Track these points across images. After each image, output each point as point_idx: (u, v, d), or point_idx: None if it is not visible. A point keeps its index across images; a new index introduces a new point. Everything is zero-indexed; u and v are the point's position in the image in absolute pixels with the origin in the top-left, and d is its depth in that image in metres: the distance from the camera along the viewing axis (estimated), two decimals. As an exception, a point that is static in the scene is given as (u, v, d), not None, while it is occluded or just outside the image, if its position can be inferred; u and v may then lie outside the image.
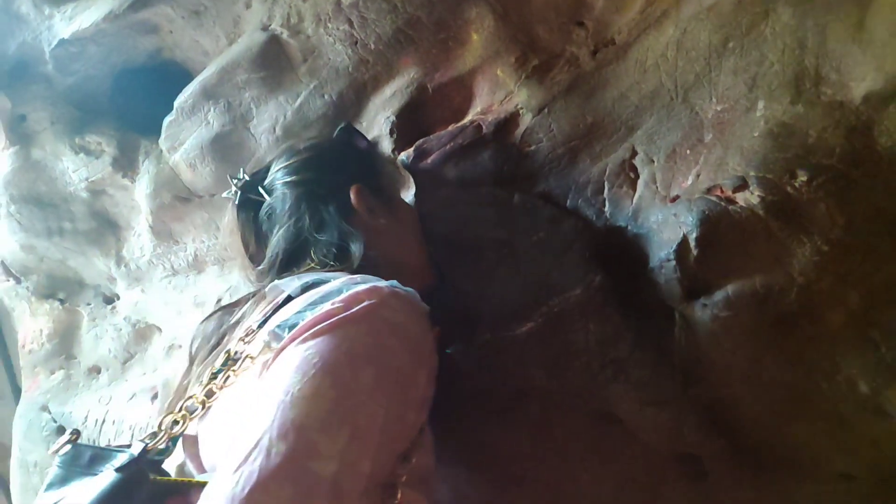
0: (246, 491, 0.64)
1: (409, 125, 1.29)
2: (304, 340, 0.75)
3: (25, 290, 2.01)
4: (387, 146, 1.30)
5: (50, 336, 2.01)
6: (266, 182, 1.12)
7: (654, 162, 1.05)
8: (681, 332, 0.99)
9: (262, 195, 1.11)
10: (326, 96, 1.32)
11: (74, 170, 1.68)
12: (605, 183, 1.09)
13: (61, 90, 1.63)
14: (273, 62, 1.34)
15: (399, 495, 0.79)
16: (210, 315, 1.04)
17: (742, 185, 0.94)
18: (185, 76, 1.55)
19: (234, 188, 1.15)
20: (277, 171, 1.12)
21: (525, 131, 1.16)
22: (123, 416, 1.75)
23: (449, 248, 1.14)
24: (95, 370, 1.94)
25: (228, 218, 1.18)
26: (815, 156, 0.92)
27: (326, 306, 0.78)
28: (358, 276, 0.88)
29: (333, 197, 1.06)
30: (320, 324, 0.76)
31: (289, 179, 1.09)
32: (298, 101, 1.34)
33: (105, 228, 1.78)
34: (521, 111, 1.17)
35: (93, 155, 1.65)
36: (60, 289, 1.97)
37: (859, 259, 0.92)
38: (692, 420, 1.01)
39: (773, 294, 0.93)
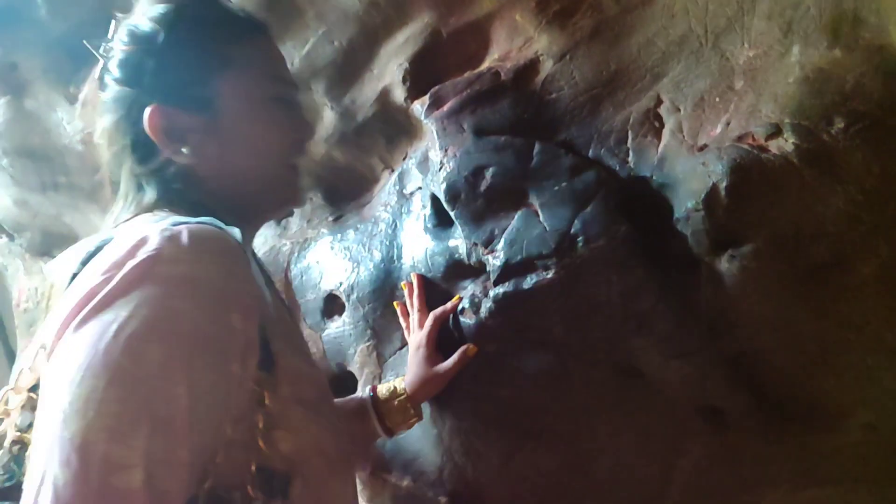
0: None
1: (422, 72, 1.24)
2: (75, 329, 0.63)
3: (19, 247, 1.97)
4: (399, 94, 1.26)
5: (45, 294, 1.97)
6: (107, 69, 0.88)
7: (680, 110, 1.02)
8: (707, 284, 0.97)
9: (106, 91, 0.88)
10: (336, 42, 1.27)
11: (69, 121, 1.62)
12: (629, 132, 1.06)
13: (55, 36, 1.56)
14: (279, 6, 1.29)
15: (263, 444, 0.71)
16: None
17: (776, 133, 0.91)
18: (185, 23, 1.49)
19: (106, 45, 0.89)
20: (111, 59, 0.87)
21: (546, 78, 1.12)
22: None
23: (466, 197, 1.11)
24: (93, 328, 1.91)
25: None
26: (852, 102, 0.89)
27: (93, 281, 0.65)
28: (146, 223, 0.75)
29: (136, 116, 0.84)
30: (84, 308, 0.64)
31: (109, 81, 0.87)
32: (306, 47, 1.29)
33: (101, 182, 1.73)
34: (541, 58, 1.13)
35: (89, 105, 1.59)
36: (56, 246, 1.92)
37: (892, 208, 0.90)
38: (717, 373, 0.99)
39: (804, 245, 0.91)
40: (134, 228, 0.74)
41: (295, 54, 1.31)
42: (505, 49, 1.18)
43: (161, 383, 0.62)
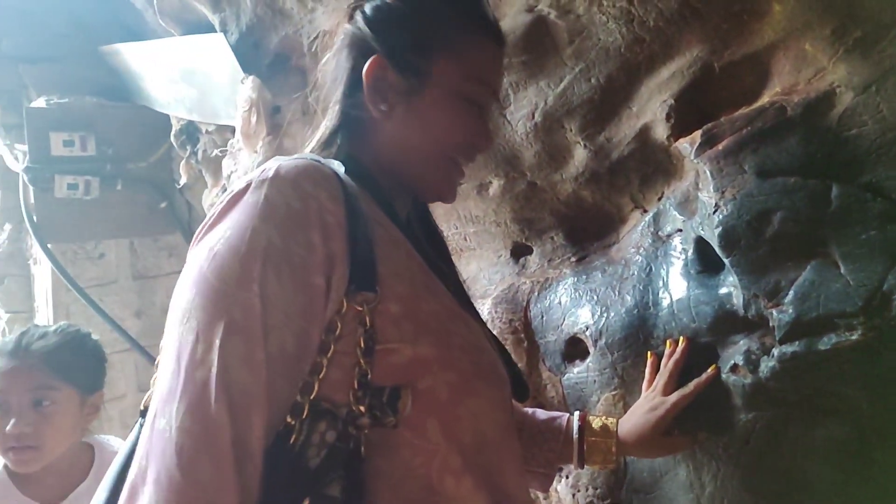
0: (153, 416, 0.69)
1: (688, 109, 1.17)
2: (189, 253, 0.77)
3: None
4: (661, 132, 1.20)
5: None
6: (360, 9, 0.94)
7: None
8: None
9: (351, 24, 0.94)
10: (593, 79, 1.24)
11: (321, 159, 1.73)
12: (958, 173, 0.91)
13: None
14: (536, 45, 1.28)
15: (363, 362, 0.74)
16: None
17: None
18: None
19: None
20: (371, 1, 0.93)
21: (844, 112, 1.00)
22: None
23: (746, 243, 1.01)
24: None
25: None
26: None
27: (210, 212, 0.79)
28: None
29: (361, 57, 0.90)
30: (198, 235, 0.78)
31: (358, 19, 0.92)
32: (561, 85, 1.27)
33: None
34: (837, 90, 1.01)
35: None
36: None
37: None
38: None
39: None
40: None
41: (549, 93, 1.29)
42: (789, 82, 1.08)
43: (237, 293, 0.71)
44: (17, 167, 2.74)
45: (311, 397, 0.72)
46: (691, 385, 1.09)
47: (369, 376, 0.74)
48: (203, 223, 0.78)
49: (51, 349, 1.43)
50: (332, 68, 0.95)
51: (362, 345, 0.75)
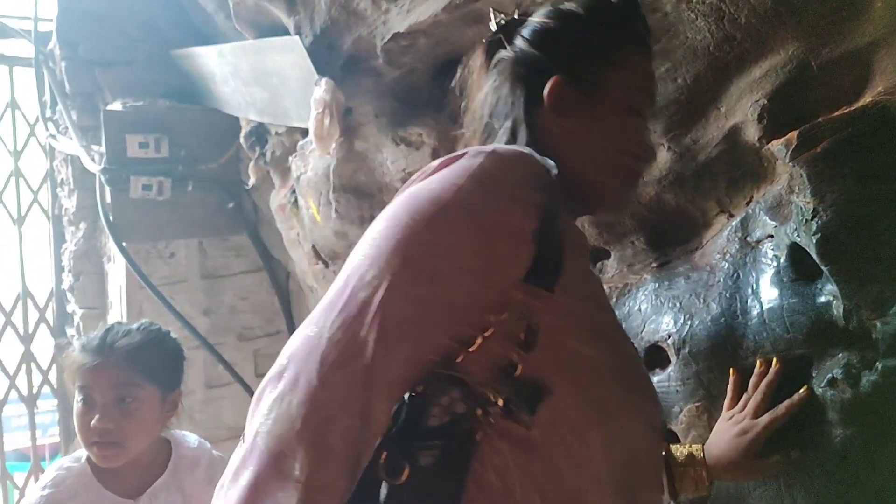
0: (306, 323, 0.73)
1: (782, 110, 1.12)
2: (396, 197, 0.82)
3: (333, 273, 2.15)
4: (752, 133, 1.15)
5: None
6: (515, 35, 0.97)
7: None
8: None
9: (503, 46, 0.97)
10: (680, 79, 1.20)
11: (393, 161, 1.74)
12: None
13: (387, 83, 1.69)
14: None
15: (515, 355, 0.74)
16: None
17: None
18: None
19: (493, 21, 1.01)
20: (524, 27, 0.96)
21: (955, 114, 0.94)
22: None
23: (848, 252, 0.97)
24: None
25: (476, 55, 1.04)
26: None
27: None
28: None
29: (533, 78, 0.93)
30: (399, 191, 0.82)
31: (519, 45, 0.95)
32: (645, 86, 1.24)
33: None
34: (948, 90, 0.96)
35: (413, 146, 1.68)
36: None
37: None
38: None
39: None
40: None
41: (631, 93, 1.25)
42: (893, 81, 1.02)
43: (423, 232, 0.74)
44: (94, 168, 2.83)
45: (453, 363, 0.73)
46: (783, 406, 1.04)
47: (518, 370, 0.74)
48: (410, 180, 0.83)
49: (135, 347, 1.46)
50: (498, 97, 0.96)
51: (522, 338, 0.75)
